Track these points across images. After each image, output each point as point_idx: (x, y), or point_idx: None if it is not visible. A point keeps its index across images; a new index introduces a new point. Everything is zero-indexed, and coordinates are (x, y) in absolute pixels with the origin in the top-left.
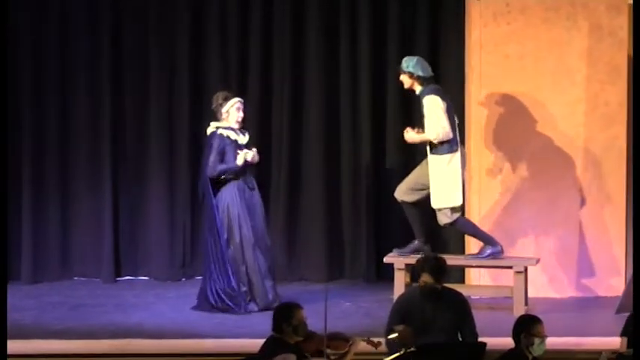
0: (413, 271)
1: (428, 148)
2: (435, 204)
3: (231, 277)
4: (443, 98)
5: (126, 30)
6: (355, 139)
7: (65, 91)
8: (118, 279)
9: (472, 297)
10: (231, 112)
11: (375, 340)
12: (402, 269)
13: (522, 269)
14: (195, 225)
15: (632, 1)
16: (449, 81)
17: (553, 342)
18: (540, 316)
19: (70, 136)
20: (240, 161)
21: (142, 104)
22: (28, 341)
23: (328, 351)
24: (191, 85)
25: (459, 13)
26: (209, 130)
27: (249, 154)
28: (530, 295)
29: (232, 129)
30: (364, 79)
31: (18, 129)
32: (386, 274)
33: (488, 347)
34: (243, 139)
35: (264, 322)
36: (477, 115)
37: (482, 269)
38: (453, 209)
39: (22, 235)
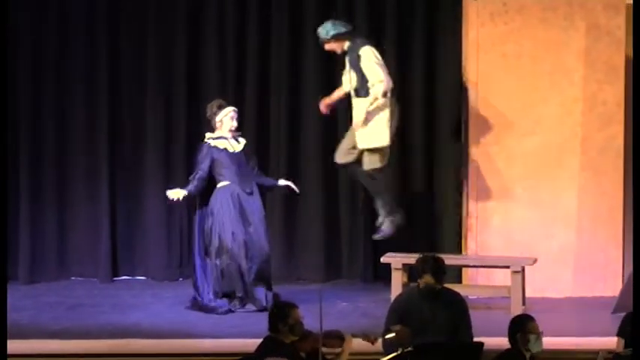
0: (411, 271)
1: (353, 92)
2: (362, 144)
3: (198, 285)
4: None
5: (123, 37)
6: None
7: (63, 94)
8: (115, 279)
9: (469, 297)
10: (225, 121)
11: (372, 335)
12: (400, 269)
13: (519, 269)
14: (192, 225)
15: (631, 1)
16: (446, 80)
17: (551, 342)
18: (538, 316)
19: (68, 138)
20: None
21: (140, 106)
22: (25, 341)
23: (324, 349)
24: (188, 89)
25: (455, 13)
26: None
27: (171, 193)
28: (527, 294)
29: (225, 138)
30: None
31: (16, 131)
32: (383, 274)
33: (485, 347)
34: (237, 146)
35: (260, 321)
36: (475, 114)
37: (479, 269)
38: (384, 154)
39: (19, 235)
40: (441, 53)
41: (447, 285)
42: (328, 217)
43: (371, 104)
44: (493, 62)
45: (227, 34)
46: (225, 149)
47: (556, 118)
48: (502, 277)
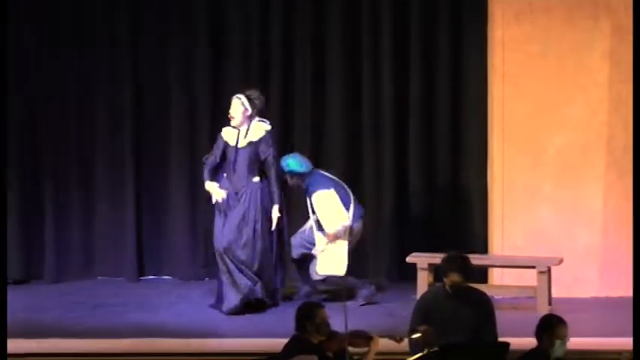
0: (437, 270)
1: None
2: (321, 270)
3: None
4: (330, 184)
5: (145, 37)
6: (378, 138)
7: (87, 91)
8: (141, 278)
9: (495, 297)
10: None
11: (398, 335)
12: (425, 269)
13: (545, 269)
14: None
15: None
16: (471, 80)
17: (576, 342)
18: (563, 316)
19: (93, 136)
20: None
21: (164, 103)
22: (50, 340)
23: (350, 349)
24: (212, 86)
25: (481, 13)
26: None
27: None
28: (553, 294)
29: (237, 128)
30: (386, 78)
31: (40, 130)
32: (409, 274)
33: (511, 347)
34: (241, 141)
35: (286, 321)
36: (499, 114)
37: (505, 269)
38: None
39: (44, 234)
40: (466, 53)
41: (472, 285)
42: None
43: (328, 242)
44: (518, 62)
45: (251, 23)
46: (228, 142)
47: (581, 118)
48: (528, 277)
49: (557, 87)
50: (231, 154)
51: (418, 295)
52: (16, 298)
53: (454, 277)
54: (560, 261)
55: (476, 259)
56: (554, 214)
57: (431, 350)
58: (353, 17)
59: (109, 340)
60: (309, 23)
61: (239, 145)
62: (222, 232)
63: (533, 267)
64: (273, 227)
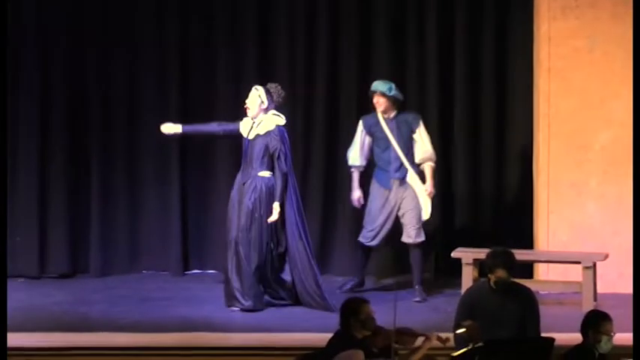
0: (482, 266)
1: (409, 167)
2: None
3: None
4: None
5: (192, 35)
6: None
7: (133, 85)
8: (187, 272)
9: (540, 292)
10: None
11: (444, 336)
12: (470, 264)
13: (591, 264)
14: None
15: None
16: (517, 75)
17: (621, 338)
18: (609, 312)
19: (139, 132)
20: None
21: (210, 99)
22: (96, 334)
23: (396, 346)
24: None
25: (527, 7)
26: None
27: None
28: (599, 290)
29: (252, 119)
30: (432, 72)
31: (88, 126)
32: (454, 269)
33: (556, 343)
34: (251, 132)
35: (330, 315)
36: (545, 109)
37: (550, 264)
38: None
39: (90, 228)
40: (512, 47)
41: (517, 280)
42: None
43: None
44: (564, 56)
45: (297, 26)
46: (242, 133)
47: (627, 113)
48: (574, 272)
49: (603, 82)
50: (244, 145)
51: (463, 291)
52: (62, 292)
53: (499, 273)
54: (606, 256)
55: (521, 255)
56: (600, 210)
57: (475, 345)
58: (399, 11)
59: (154, 334)
60: (355, 18)
61: (249, 137)
62: (233, 224)
63: (579, 262)
64: (270, 220)
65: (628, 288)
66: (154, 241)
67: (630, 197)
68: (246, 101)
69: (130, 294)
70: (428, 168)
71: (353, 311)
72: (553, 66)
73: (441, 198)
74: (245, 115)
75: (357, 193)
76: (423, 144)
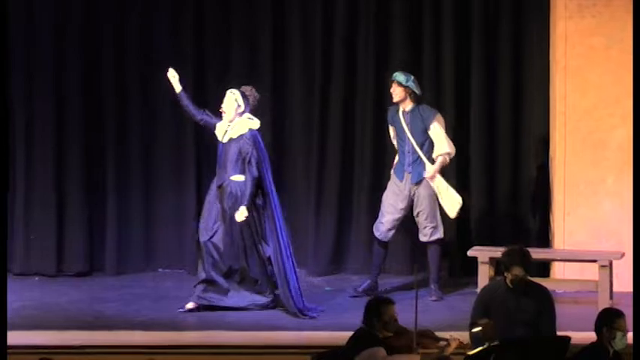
0: (498, 264)
1: (427, 162)
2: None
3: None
4: None
5: (208, 37)
6: None
7: (149, 87)
8: None
9: (557, 291)
10: None
11: (465, 341)
12: (486, 263)
13: (607, 263)
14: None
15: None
16: (534, 73)
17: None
18: (625, 310)
19: (155, 131)
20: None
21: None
22: (111, 332)
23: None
24: (274, 84)
25: (543, 6)
26: None
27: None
28: (615, 289)
29: (227, 123)
30: (448, 72)
31: (103, 124)
32: (470, 267)
33: (572, 342)
34: (225, 136)
35: (344, 314)
36: (562, 107)
37: (566, 263)
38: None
39: (106, 227)
40: (528, 45)
41: (533, 279)
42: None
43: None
44: (581, 54)
45: (314, 26)
46: (217, 136)
47: None
48: (590, 271)
49: (619, 80)
50: (218, 149)
51: (479, 289)
52: (78, 291)
53: (515, 271)
54: (622, 255)
55: (537, 253)
56: (616, 208)
57: (491, 344)
58: (415, 12)
59: (169, 333)
60: (372, 15)
61: (223, 141)
62: (203, 225)
63: (595, 261)
64: (238, 219)
65: None
66: (170, 240)
67: None
68: (222, 105)
69: (146, 292)
70: (440, 158)
71: (377, 311)
72: (569, 64)
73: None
74: (221, 118)
75: None
76: (437, 140)
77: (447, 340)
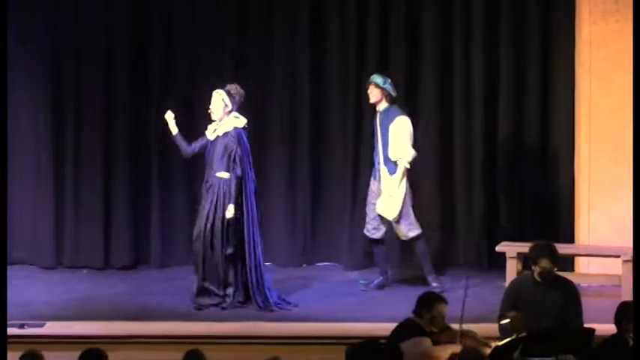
0: (525, 259)
1: (382, 163)
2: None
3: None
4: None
5: (249, 34)
6: (469, 131)
7: (190, 84)
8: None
9: (581, 285)
10: None
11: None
12: (514, 257)
13: (630, 258)
14: (315, 213)
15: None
16: (559, 76)
17: None
18: None
19: (197, 127)
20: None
21: (264, 96)
22: (155, 323)
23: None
24: (311, 83)
25: (569, 11)
26: None
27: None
28: None
29: (216, 122)
30: (477, 74)
31: (147, 121)
32: (498, 262)
33: (596, 333)
34: (213, 133)
35: (381, 307)
36: (587, 108)
37: (591, 258)
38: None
39: (151, 220)
40: (554, 49)
41: (559, 273)
42: (445, 207)
43: (400, 180)
44: (606, 57)
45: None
46: (206, 135)
47: None
48: (613, 266)
49: None
50: (207, 146)
51: (507, 283)
52: (124, 283)
53: (543, 263)
54: None
55: (563, 249)
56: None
57: (519, 335)
58: (446, 12)
59: (210, 323)
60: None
61: (211, 139)
62: (199, 222)
63: (618, 256)
64: (228, 216)
65: None
66: None
67: None
68: (210, 106)
69: (189, 284)
70: (400, 166)
71: (428, 306)
72: (594, 67)
73: (486, 192)
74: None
75: None
76: (393, 140)
77: (489, 344)
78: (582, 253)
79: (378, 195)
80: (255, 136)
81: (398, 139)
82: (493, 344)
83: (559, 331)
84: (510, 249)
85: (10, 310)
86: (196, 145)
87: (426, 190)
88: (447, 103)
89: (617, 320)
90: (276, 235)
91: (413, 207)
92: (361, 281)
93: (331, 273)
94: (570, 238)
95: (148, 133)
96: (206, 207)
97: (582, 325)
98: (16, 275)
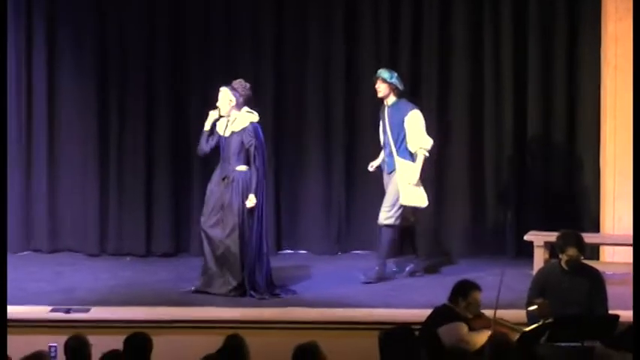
0: (552, 248)
1: (395, 154)
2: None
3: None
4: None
5: (286, 30)
6: (497, 122)
7: (231, 71)
8: (279, 252)
9: (606, 273)
10: None
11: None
12: (541, 246)
13: None
14: (349, 202)
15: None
16: (585, 73)
17: None
18: None
19: None
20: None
21: (301, 89)
22: (196, 308)
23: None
24: (346, 73)
25: (595, 8)
26: None
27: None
28: None
29: (226, 117)
30: (506, 69)
31: (186, 112)
32: (526, 250)
33: (620, 320)
34: (227, 130)
35: (415, 294)
36: (612, 103)
37: (616, 247)
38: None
39: (192, 210)
40: (580, 46)
41: (585, 261)
42: (474, 197)
43: (420, 168)
44: (630, 55)
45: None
46: (218, 131)
47: None
48: None
49: None
50: (220, 143)
51: (534, 271)
52: (166, 270)
53: (570, 251)
54: None
55: (589, 238)
56: None
57: (546, 321)
58: (475, 11)
59: (249, 309)
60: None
61: (225, 135)
62: (206, 214)
63: None
64: (249, 205)
65: None
66: None
67: None
68: (217, 102)
69: None
70: (420, 155)
71: (464, 293)
72: (619, 64)
73: (515, 182)
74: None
75: None
76: (411, 132)
77: (520, 329)
78: (608, 242)
79: (387, 186)
80: (291, 127)
81: (415, 130)
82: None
83: (585, 318)
84: (538, 238)
85: (57, 295)
86: (211, 143)
87: (456, 181)
88: (478, 96)
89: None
90: (311, 223)
91: (441, 197)
92: (394, 269)
93: (365, 260)
94: (596, 228)
95: (190, 120)
96: (234, 202)
97: (607, 311)
98: (63, 262)
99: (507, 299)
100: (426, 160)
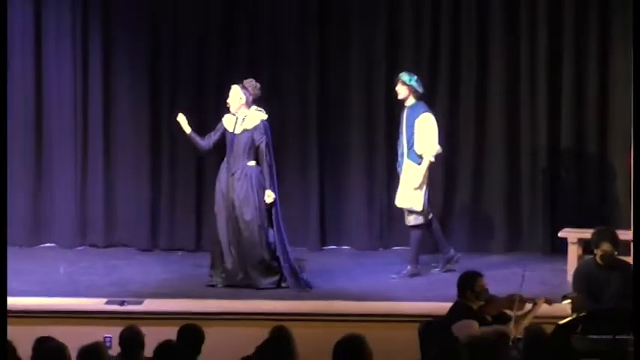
0: (586, 244)
1: (405, 155)
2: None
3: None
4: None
5: (329, 30)
6: (533, 120)
7: (276, 82)
8: (324, 248)
9: None
10: None
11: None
12: (575, 243)
13: None
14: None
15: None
16: (617, 79)
17: None
18: None
19: (283, 117)
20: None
21: (343, 88)
22: (243, 301)
23: (509, 312)
24: (387, 76)
25: (627, 4)
26: None
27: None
28: None
29: (234, 115)
30: (541, 71)
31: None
32: (560, 247)
33: None
34: (237, 127)
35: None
36: None
37: None
38: (419, 212)
39: None
40: (612, 52)
41: (618, 257)
42: (510, 195)
43: (425, 172)
44: None
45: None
46: (227, 128)
47: None
48: None
49: None
50: (229, 139)
51: (568, 266)
52: (189, 263)
53: (605, 246)
54: None
55: (621, 234)
56: None
57: (579, 315)
58: (512, 10)
59: (292, 302)
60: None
61: (236, 132)
62: (220, 211)
63: None
64: (268, 201)
65: None
66: (295, 219)
67: None
68: (228, 100)
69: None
70: (425, 159)
71: (469, 285)
72: None
73: (549, 181)
74: (227, 111)
75: None
76: (419, 134)
77: (534, 300)
78: None
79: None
80: (335, 127)
81: (423, 133)
82: (540, 304)
83: (618, 312)
84: (572, 235)
85: (111, 288)
86: (213, 138)
87: (492, 177)
88: (514, 94)
89: None
90: (354, 221)
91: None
92: (433, 264)
93: (406, 256)
94: (628, 224)
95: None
96: (250, 196)
97: None
98: (116, 256)
99: (540, 292)
100: (432, 165)
